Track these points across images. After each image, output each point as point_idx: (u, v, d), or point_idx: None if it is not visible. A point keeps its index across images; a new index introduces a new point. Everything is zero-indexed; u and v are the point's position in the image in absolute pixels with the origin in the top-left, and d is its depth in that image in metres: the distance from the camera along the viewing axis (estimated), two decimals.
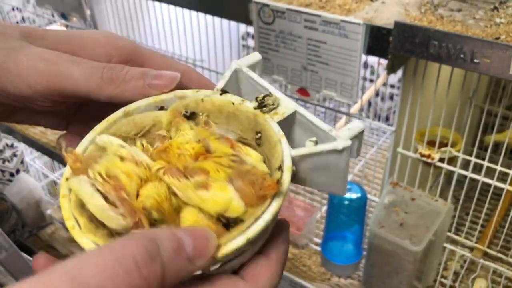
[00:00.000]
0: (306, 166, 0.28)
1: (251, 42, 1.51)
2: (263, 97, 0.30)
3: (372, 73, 1.34)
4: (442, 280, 0.88)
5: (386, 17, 0.70)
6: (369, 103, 1.34)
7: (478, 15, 0.69)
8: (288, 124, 0.30)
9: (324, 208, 1.01)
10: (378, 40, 0.66)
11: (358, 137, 0.29)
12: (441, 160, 0.76)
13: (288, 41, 0.73)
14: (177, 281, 0.23)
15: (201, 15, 0.89)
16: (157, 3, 0.95)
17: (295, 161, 0.28)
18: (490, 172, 0.76)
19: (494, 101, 1.05)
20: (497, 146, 0.98)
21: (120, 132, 0.29)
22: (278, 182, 0.26)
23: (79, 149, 0.28)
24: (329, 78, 0.73)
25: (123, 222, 0.25)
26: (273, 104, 0.29)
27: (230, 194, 0.25)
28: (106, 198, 0.25)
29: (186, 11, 0.91)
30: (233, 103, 0.30)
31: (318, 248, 0.98)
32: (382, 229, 0.76)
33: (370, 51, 0.67)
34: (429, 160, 0.76)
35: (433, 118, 0.75)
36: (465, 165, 0.79)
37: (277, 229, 0.29)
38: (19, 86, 0.27)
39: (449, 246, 0.84)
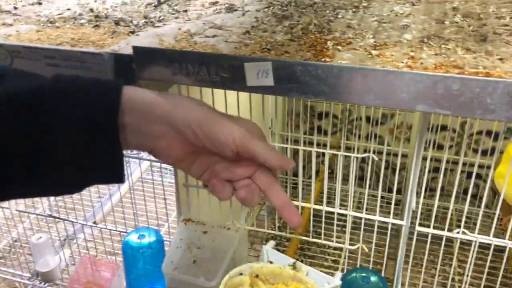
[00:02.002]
0: None
1: None
2: (293, 264, 0.67)
3: None
4: None
5: None
6: None
7: (232, 38, 0.71)
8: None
9: None
10: (125, 68, 0.62)
11: None
12: None
13: None
14: None
15: None
16: None
17: None
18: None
19: (293, 129, 1.09)
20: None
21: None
22: None
23: None
24: None
25: None
26: (298, 267, 0.66)
27: None
28: None
29: None
30: (280, 268, 0.65)
31: None
32: (175, 270, 0.70)
33: None
34: None
35: None
36: None
37: None
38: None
39: None
